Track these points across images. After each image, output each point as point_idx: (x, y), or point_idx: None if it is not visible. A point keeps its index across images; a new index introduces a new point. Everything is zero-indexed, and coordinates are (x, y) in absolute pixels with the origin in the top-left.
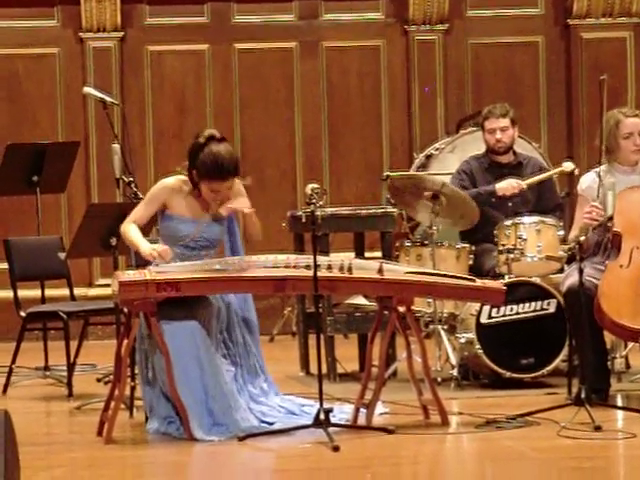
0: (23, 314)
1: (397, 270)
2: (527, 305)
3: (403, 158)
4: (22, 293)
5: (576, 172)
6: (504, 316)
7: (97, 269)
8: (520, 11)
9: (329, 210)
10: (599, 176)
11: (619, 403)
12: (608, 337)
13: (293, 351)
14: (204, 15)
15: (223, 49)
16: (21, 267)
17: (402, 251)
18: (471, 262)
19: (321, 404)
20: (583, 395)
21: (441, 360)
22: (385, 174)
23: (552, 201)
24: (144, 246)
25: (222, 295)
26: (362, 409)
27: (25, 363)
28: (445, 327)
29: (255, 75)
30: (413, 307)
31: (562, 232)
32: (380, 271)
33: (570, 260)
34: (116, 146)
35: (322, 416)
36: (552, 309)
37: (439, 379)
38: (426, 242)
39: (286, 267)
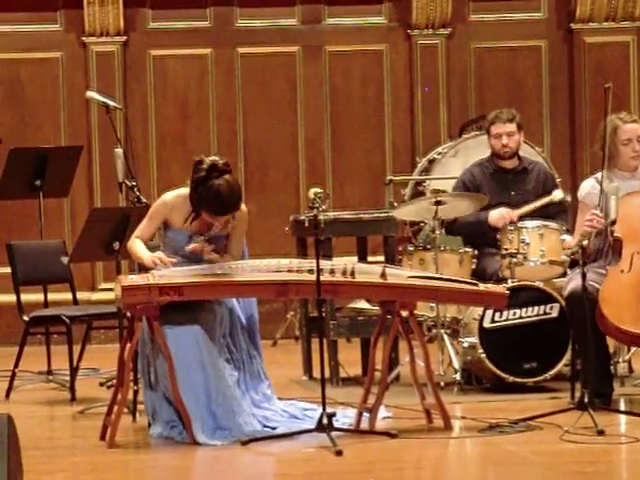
0: (26, 318)
1: (400, 274)
2: (530, 309)
3: (406, 162)
4: (25, 297)
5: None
6: (507, 320)
7: (100, 273)
8: (523, 15)
9: (332, 214)
10: (599, 182)
11: (622, 407)
12: (611, 341)
13: (296, 355)
14: (207, 19)
15: (226, 53)
16: (24, 271)
17: (405, 255)
18: (474, 266)
19: (324, 408)
20: (586, 399)
21: (444, 364)
22: (388, 178)
23: (557, 206)
24: (146, 255)
25: (225, 300)
26: (365, 413)
27: (28, 367)
28: (448, 331)
29: (258, 79)
30: (416, 311)
31: (565, 236)
32: (383, 275)
33: (573, 264)
34: (119, 150)
35: (325, 420)
36: (555, 313)
37: (442, 383)
38: (429, 246)
39: (289, 271)
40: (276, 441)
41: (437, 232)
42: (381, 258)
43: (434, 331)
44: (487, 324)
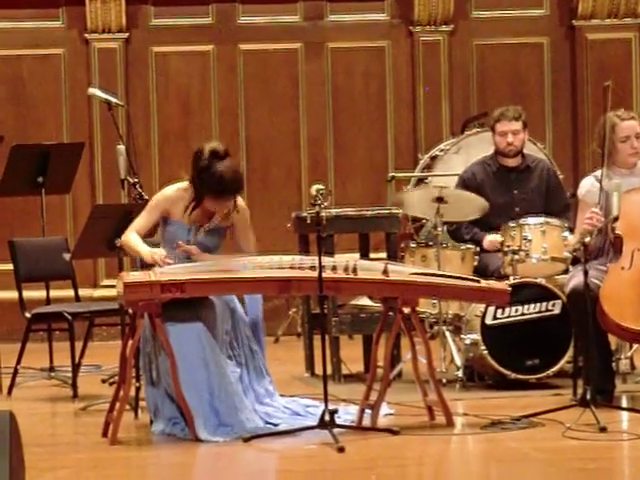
0: (28, 315)
1: (402, 271)
2: (532, 306)
3: (408, 159)
4: (27, 294)
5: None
6: (509, 317)
7: (102, 270)
8: (525, 12)
9: (334, 211)
10: (599, 180)
11: (624, 404)
12: (613, 338)
13: (298, 352)
14: (209, 16)
15: (228, 50)
16: (26, 268)
17: (407, 252)
18: (476, 263)
19: (326, 405)
20: (588, 396)
21: (446, 361)
22: (390, 175)
23: (561, 203)
24: (145, 250)
25: (226, 297)
26: (367, 410)
27: (30, 364)
28: (450, 328)
29: (260, 76)
30: (418, 308)
31: (566, 234)
32: (385, 272)
33: (575, 262)
34: (121, 147)
35: (327, 417)
36: (557, 310)
37: (444, 380)
38: (431, 243)
39: (291, 268)
40: (278, 438)
41: (439, 229)
42: (383, 255)
43: (436, 328)
44: (489, 321)
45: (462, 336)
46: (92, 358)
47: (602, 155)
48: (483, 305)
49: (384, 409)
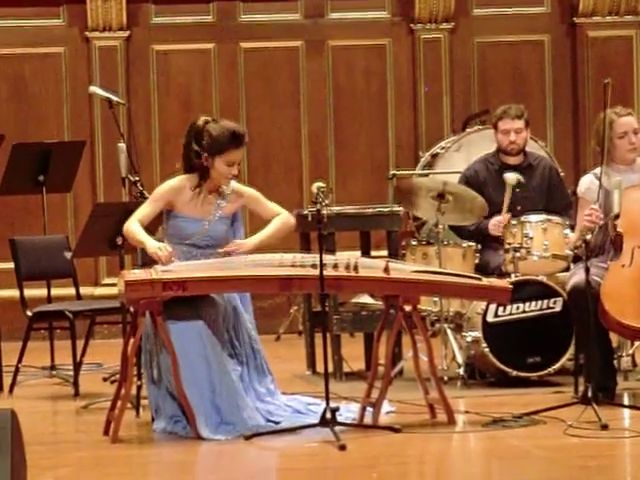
0: (29, 313)
1: (403, 269)
2: (533, 304)
3: (409, 157)
4: (28, 292)
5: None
6: (510, 315)
7: (103, 268)
8: (526, 9)
9: (335, 209)
10: (598, 178)
11: (626, 402)
12: (614, 335)
13: (299, 350)
14: (210, 14)
15: (229, 48)
16: (27, 266)
17: (408, 250)
18: (477, 261)
19: (327, 403)
20: (589, 394)
21: (447, 359)
22: (391, 173)
23: (563, 201)
24: (150, 243)
25: (228, 295)
26: (368, 408)
27: (31, 362)
28: (451, 326)
29: (261, 74)
30: (419, 306)
31: (567, 231)
32: (386, 270)
33: (576, 259)
34: (122, 145)
35: (328, 415)
36: (558, 308)
37: (445, 378)
38: (432, 241)
39: (292, 266)
40: (280, 436)
41: (440, 226)
42: (384, 253)
43: (437, 325)
44: (490, 318)
45: (463, 334)
46: (93, 356)
47: (601, 152)
48: (484, 303)
49: (385, 407)
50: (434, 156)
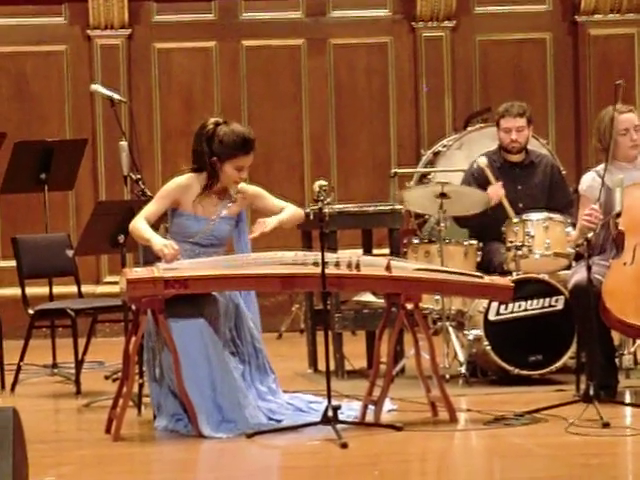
0: (31, 311)
1: (405, 267)
2: (535, 302)
3: (411, 155)
4: (30, 290)
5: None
6: (512, 313)
7: (105, 266)
8: (527, 8)
9: (337, 207)
10: (600, 175)
11: (627, 400)
12: (616, 334)
13: (301, 348)
14: (211, 12)
15: (231, 46)
16: (29, 265)
17: (410, 248)
18: (479, 259)
19: (329, 401)
20: (591, 392)
21: (449, 357)
22: (393, 171)
23: (564, 199)
24: (156, 240)
25: (230, 294)
26: (370, 406)
27: (33, 360)
28: (453, 324)
29: (263, 72)
30: (421, 304)
31: (569, 229)
32: (388, 268)
33: (578, 257)
34: (124, 143)
35: (330, 413)
36: (560, 306)
37: (447, 376)
38: (434, 239)
39: (294, 264)
40: (281, 434)
41: (442, 225)
42: (386, 251)
43: (439, 324)
44: (492, 317)
45: (465, 332)
46: (95, 354)
47: (602, 150)
48: (486, 301)
49: (387, 405)
50: (436, 154)
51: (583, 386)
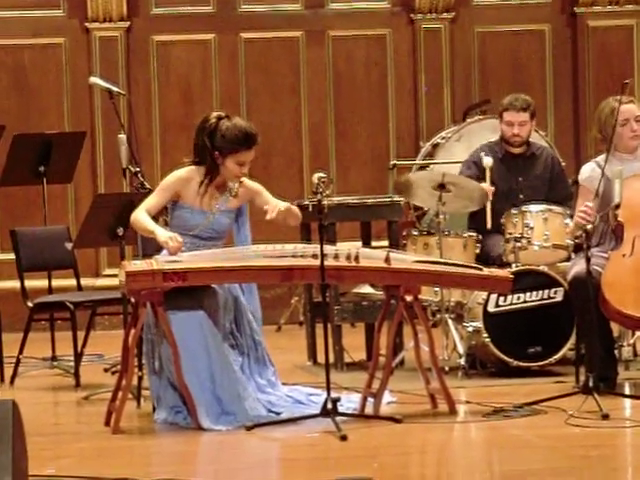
0: (30, 304)
1: (404, 259)
2: (534, 294)
3: (410, 147)
4: (29, 283)
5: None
6: (511, 305)
7: (104, 259)
8: None
9: (336, 199)
10: (600, 166)
11: (627, 391)
12: (615, 325)
13: (300, 340)
14: (210, 5)
15: (229, 39)
16: (28, 257)
17: (409, 240)
18: (478, 251)
19: (328, 393)
20: (591, 383)
21: (448, 349)
22: (392, 163)
23: (564, 191)
24: (160, 232)
25: (230, 286)
26: (369, 398)
27: (32, 353)
28: (452, 316)
29: (261, 64)
30: (420, 296)
31: (568, 220)
32: (387, 260)
33: (577, 249)
34: (122, 136)
35: (329, 405)
36: (559, 297)
37: (446, 368)
38: (433, 231)
39: (293, 257)
40: (281, 426)
41: (441, 217)
42: (385, 243)
43: (438, 316)
44: (491, 308)
45: (464, 324)
46: (94, 347)
47: (602, 140)
48: (485, 293)
49: (386, 397)
50: (435, 146)
51: (582, 378)
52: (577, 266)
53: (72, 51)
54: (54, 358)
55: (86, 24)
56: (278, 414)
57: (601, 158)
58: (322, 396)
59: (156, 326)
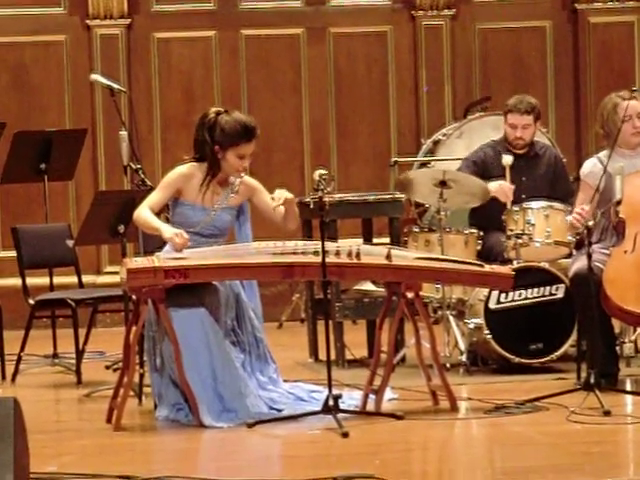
0: (32, 302)
1: (405, 256)
2: (536, 290)
3: (411, 144)
4: (30, 281)
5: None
6: (513, 301)
7: (105, 256)
8: None
9: (337, 196)
10: (602, 162)
11: (628, 388)
12: (617, 322)
13: (302, 337)
14: (211, 1)
15: (230, 35)
16: (29, 255)
17: (410, 237)
18: (479, 247)
19: (330, 390)
20: (592, 380)
21: (450, 346)
22: (393, 160)
23: (565, 189)
24: (166, 228)
25: (231, 283)
26: (371, 395)
27: (34, 351)
28: (454, 313)
29: (262, 61)
30: (421, 293)
31: (569, 217)
32: (388, 257)
33: (579, 245)
34: (123, 133)
35: (331, 402)
36: (560, 294)
37: (448, 365)
38: (434, 228)
39: (294, 253)
40: (282, 423)
41: (442, 213)
42: (386, 240)
43: (440, 312)
44: (493, 305)
45: (466, 320)
46: (96, 344)
47: (604, 135)
48: (487, 289)
49: (388, 394)
50: (436, 143)
51: (584, 374)
52: (578, 262)
53: (73, 48)
54: (55, 355)
55: (87, 21)
56: (280, 411)
57: (603, 154)
58: (323, 393)
59: (157, 323)
